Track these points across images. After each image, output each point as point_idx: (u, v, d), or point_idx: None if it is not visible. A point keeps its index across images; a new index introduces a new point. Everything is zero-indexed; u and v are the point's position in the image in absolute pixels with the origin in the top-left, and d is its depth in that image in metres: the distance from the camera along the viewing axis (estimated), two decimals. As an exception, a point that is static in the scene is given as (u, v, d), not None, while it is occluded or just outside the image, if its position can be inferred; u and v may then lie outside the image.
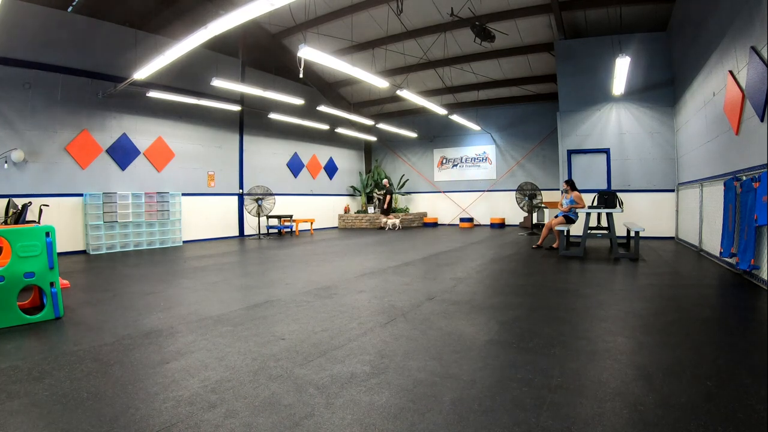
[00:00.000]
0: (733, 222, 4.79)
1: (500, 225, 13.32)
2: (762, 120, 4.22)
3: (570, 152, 9.91)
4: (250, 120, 11.53)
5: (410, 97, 9.66)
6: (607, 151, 9.60)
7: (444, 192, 14.91)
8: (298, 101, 10.22)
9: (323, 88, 13.75)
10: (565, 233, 6.89)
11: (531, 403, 1.91)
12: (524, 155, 13.52)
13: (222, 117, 10.70)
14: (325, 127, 12.82)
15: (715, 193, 5.78)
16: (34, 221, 7.12)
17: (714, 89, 5.88)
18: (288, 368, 2.36)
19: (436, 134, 14.86)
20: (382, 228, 13.21)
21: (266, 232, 11.79)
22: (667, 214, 8.94)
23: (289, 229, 12.20)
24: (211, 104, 9.59)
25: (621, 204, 7.49)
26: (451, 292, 4.24)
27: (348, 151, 15.51)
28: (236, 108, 10.54)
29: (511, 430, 1.69)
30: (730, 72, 5.13)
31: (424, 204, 15.32)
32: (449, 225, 14.57)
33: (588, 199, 8.00)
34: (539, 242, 7.88)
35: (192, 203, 10.04)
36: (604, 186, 9.50)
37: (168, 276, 5.61)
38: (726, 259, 5.19)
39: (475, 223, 14.09)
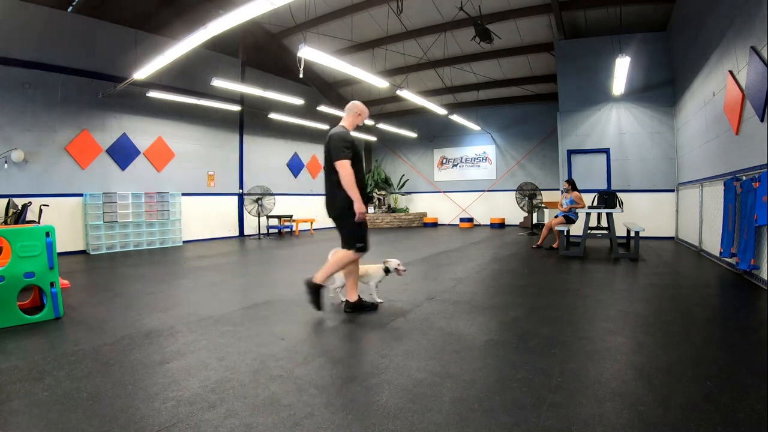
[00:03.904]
0: (733, 222, 4.78)
1: (500, 225, 13.31)
2: (762, 120, 4.22)
3: (570, 152, 9.91)
4: (250, 120, 11.53)
5: (410, 97, 9.66)
6: (607, 151, 9.59)
7: (444, 192, 14.91)
8: (298, 101, 10.22)
9: (323, 88, 13.75)
10: (565, 233, 6.88)
11: (531, 403, 1.91)
12: (524, 155, 13.52)
13: (222, 117, 10.70)
14: (325, 127, 12.77)
15: (715, 193, 5.78)
16: (34, 221, 7.11)
17: (714, 89, 5.88)
18: (288, 368, 2.36)
19: (436, 134, 14.86)
20: None
21: (266, 232, 11.78)
22: (667, 214, 8.94)
23: (289, 229, 12.20)
24: (211, 104, 9.58)
25: (621, 204, 7.49)
26: (451, 292, 4.24)
27: (348, 151, 15.48)
28: (236, 108, 10.54)
29: (511, 430, 1.69)
30: (730, 72, 5.13)
31: (424, 204, 15.32)
32: (449, 225, 14.56)
33: (588, 199, 7.99)
34: (539, 242, 7.87)
35: (192, 203, 10.04)
36: (604, 186, 9.49)
37: (168, 276, 5.61)
38: (726, 259, 5.18)
39: (475, 223, 14.08)
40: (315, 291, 3.39)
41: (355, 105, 3.57)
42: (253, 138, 11.80)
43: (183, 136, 10.01)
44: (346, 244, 3.52)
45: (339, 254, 3.53)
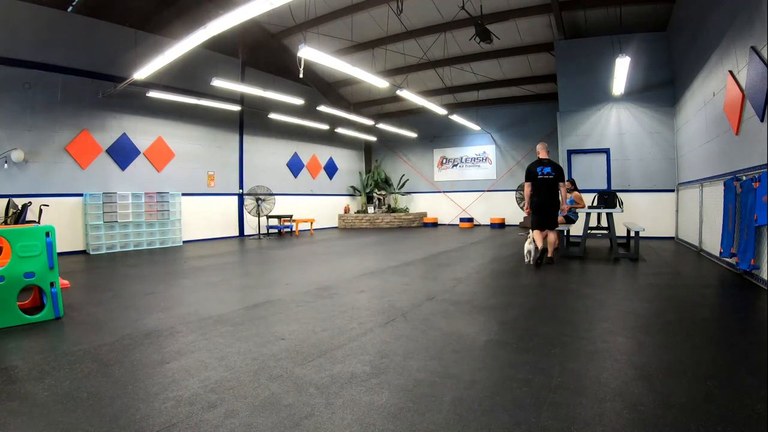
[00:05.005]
0: (733, 222, 4.78)
1: (500, 225, 13.31)
2: (762, 120, 4.22)
3: (570, 152, 9.91)
4: (250, 120, 11.53)
5: (410, 97, 9.66)
6: (607, 151, 9.59)
7: (444, 192, 14.91)
8: (298, 101, 10.22)
9: (323, 88, 13.75)
10: (565, 233, 6.88)
11: (531, 403, 1.91)
12: (524, 155, 13.51)
13: (222, 117, 10.70)
14: (325, 127, 12.82)
15: (715, 193, 5.78)
16: (34, 221, 7.11)
17: (714, 89, 5.88)
18: (288, 368, 2.36)
19: (436, 134, 14.85)
20: None
21: (266, 232, 11.78)
22: (667, 214, 8.94)
23: (289, 229, 12.20)
24: (211, 104, 9.58)
25: (621, 204, 7.48)
26: (451, 292, 4.24)
27: (348, 151, 15.51)
28: (236, 108, 10.54)
29: (511, 430, 1.69)
30: (730, 72, 5.13)
31: (424, 204, 15.32)
32: (449, 225, 14.56)
33: (588, 199, 7.99)
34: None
35: (192, 203, 10.04)
36: (604, 186, 9.49)
37: (168, 276, 5.61)
38: (726, 259, 5.18)
39: (475, 223, 14.08)
40: (550, 261, 5.97)
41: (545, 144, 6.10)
42: (253, 138, 11.80)
43: (183, 136, 10.01)
44: (554, 226, 6.02)
45: (552, 236, 6.01)
